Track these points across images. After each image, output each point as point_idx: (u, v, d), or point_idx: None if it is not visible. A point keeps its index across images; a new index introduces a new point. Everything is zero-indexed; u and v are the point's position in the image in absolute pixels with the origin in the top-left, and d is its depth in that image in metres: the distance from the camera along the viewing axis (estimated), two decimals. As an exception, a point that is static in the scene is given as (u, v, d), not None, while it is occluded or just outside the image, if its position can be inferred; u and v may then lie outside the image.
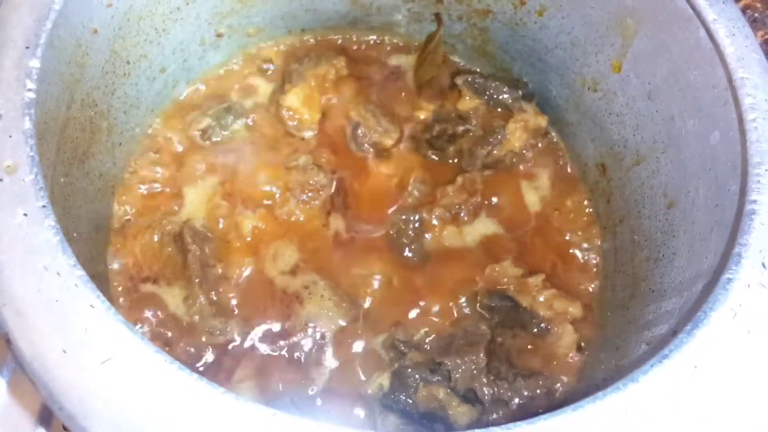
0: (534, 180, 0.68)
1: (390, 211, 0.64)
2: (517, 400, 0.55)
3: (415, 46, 0.73)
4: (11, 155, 0.40)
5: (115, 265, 0.59)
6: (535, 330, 0.59)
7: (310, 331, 0.58)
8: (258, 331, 0.58)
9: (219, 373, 0.56)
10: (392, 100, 0.70)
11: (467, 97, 0.69)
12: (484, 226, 0.65)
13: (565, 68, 0.66)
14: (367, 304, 0.60)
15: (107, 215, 0.60)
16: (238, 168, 0.65)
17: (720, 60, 0.49)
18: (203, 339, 0.57)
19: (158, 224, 0.61)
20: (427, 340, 0.59)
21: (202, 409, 0.34)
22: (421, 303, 0.60)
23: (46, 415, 0.51)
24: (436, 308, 0.60)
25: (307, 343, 0.58)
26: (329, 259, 0.61)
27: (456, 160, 0.67)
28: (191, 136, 0.65)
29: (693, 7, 0.51)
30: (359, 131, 0.66)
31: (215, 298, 0.58)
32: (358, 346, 0.58)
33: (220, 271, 0.60)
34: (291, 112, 0.67)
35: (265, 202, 0.63)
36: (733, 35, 0.50)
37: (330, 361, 0.57)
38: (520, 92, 0.69)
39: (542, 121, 0.68)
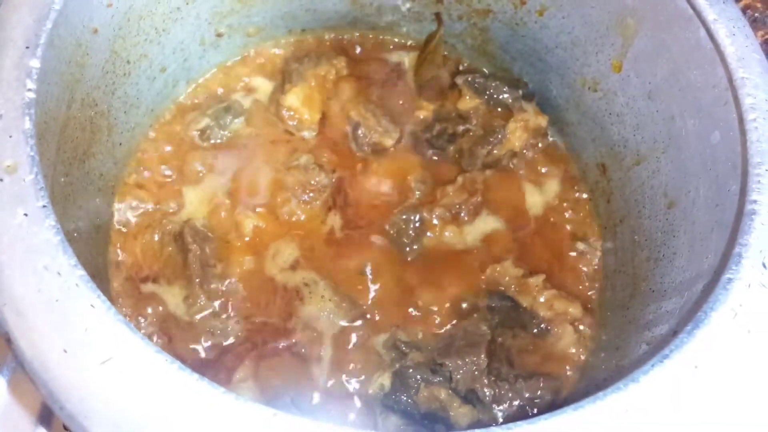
0: (534, 180, 0.68)
1: (390, 211, 0.64)
2: (518, 402, 0.55)
3: (415, 45, 0.73)
4: (11, 155, 0.40)
5: (116, 265, 0.59)
6: (536, 330, 0.59)
7: (310, 331, 0.58)
8: (259, 331, 0.58)
9: (219, 373, 0.56)
10: (392, 99, 0.70)
11: (467, 97, 0.69)
12: (484, 226, 0.65)
13: (566, 68, 0.66)
14: (367, 305, 0.60)
15: (107, 215, 0.60)
16: (238, 167, 0.64)
17: (720, 60, 0.49)
18: (203, 339, 0.57)
19: (158, 224, 0.61)
20: (427, 341, 0.58)
21: (203, 409, 0.34)
22: (422, 303, 0.60)
23: (46, 414, 0.51)
24: (436, 308, 0.60)
25: (307, 344, 0.58)
26: (329, 259, 0.61)
27: (456, 159, 0.67)
28: (191, 136, 0.65)
29: (693, 7, 0.51)
30: (359, 131, 0.66)
31: (216, 298, 0.58)
32: (358, 347, 0.58)
33: (220, 270, 0.60)
34: (291, 112, 0.67)
35: (266, 201, 0.63)
36: (733, 35, 0.50)
37: (330, 361, 0.57)
38: (521, 92, 0.69)
39: (542, 121, 0.68)
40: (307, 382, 0.56)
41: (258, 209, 0.62)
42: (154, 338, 0.57)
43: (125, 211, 0.61)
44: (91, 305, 0.36)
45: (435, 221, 0.64)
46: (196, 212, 0.62)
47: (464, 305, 0.60)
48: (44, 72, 0.44)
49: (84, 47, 0.51)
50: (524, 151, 0.68)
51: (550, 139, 0.70)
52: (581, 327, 0.60)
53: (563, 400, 0.57)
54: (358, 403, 0.56)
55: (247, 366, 0.56)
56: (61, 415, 0.35)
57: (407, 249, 0.62)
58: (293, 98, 0.67)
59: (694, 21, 0.51)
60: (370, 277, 0.61)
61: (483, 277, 0.61)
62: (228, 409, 0.34)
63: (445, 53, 0.73)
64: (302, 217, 0.63)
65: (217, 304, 0.58)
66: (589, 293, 0.63)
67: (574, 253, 0.65)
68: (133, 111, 0.61)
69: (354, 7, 0.71)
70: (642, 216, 0.60)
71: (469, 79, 0.69)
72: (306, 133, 0.67)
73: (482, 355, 0.55)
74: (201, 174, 0.64)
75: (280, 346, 0.57)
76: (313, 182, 0.63)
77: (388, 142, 0.67)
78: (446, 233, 0.64)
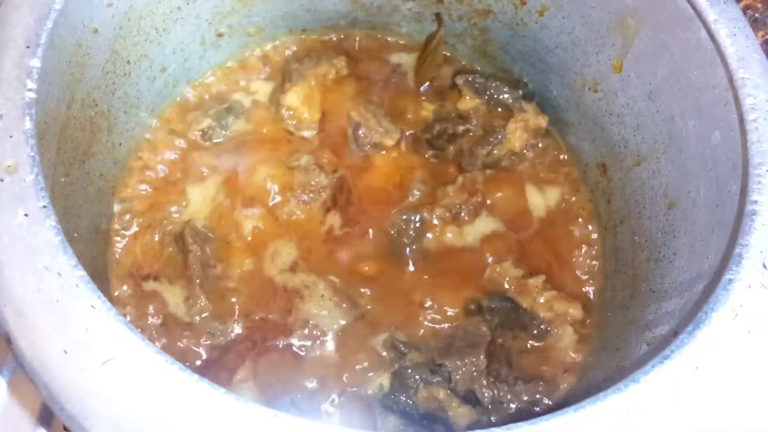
0: (534, 180, 0.68)
1: (391, 211, 0.64)
2: (516, 404, 0.55)
3: (415, 46, 0.73)
4: (12, 155, 0.40)
5: (116, 265, 0.59)
6: (536, 331, 0.59)
7: (310, 331, 0.58)
8: (259, 332, 0.58)
9: (220, 373, 0.56)
10: (393, 100, 0.70)
11: (467, 97, 0.69)
12: (484, 226, 0.65)
13: (566, 68, 0.66)
14: (367, 305, 0.60)
15: (108, 215, 0.60)
16: (239, 168, 0.64)
17: (721, 60, 0.49)
18: (204, 339, 0.57)
19: (159, 224, 0.61)
20: (427, 341, 0.58)
21: (203, 410, 0.34)
22: (422, 303, 0.60)
23: (46, 415, 0.51)
24: (436, 308, 0.60)
25: (307, 344, 0.58)
26: (329, 259, 0.61)
27: (456, 160, 0.67)
28: (192, 137, 0.65)
29: (694, 8, 0.51)
30: (360, 132, 0.66)
31: (216, 299, 0.58)
32: (358, 347, 0.58)
33: (220, 271, 0.60)
34: (291, 112, 0.67)
35: (266, 202, 0.63)
36: (734, 35, 0.50)
37: (330, 361, 0.57)
38: (521, 92, 0.69)
39: (542, 121, 0.68)
40: (307, 383, 0.56)
41: (258, 209, 0.62)
42: (155, 338, 0.57)
43: (125, 212, 0.61)
44: (92, 306, 0.36)
45: (435, 221, 0.64)
46: (198, 212, 0.62)
47: (464, 305, 0.60)
48: (45, 72, 0.44)
49: (84, 47, 0.51)
50: (524, 151, 0.68)
51: (550, 139, 0.70)
52: (581, 328, 0.60)
53: (563, 401, 0.57)
54: (357, 403, 0.56)
55: (248, 367, 0.56)
56: (61, 415, 0.35)
57: (407, 249, 0.62)
58: (293, 98, 0.67)
59: (695, 21, 0.51)
60: (369, 276, 0.61)
61: (483, 278, 0.61)
62: (228, 409, 0.34)
63: (446, 53, 0.73)
64: (302, 218, 0.63)
65: (217, 304, 0.58)
66: (589, 294, 0.63)
67: (574, 254, 0.65)
68: (133, 111, 0.61)
69: (354, 7, 0.71)
70: (642, 216, 0.60)
71: (470, 79, 0.69)
72: (306, 133, 0.67)
73: (482, 356, 0.55)
74: (203, 174, 0.64)
75: (280, 345, 0.57)
76: (313, 183, 0.63)
77: (389, 142, 0.67)
78: (446, 233, 0.63)
